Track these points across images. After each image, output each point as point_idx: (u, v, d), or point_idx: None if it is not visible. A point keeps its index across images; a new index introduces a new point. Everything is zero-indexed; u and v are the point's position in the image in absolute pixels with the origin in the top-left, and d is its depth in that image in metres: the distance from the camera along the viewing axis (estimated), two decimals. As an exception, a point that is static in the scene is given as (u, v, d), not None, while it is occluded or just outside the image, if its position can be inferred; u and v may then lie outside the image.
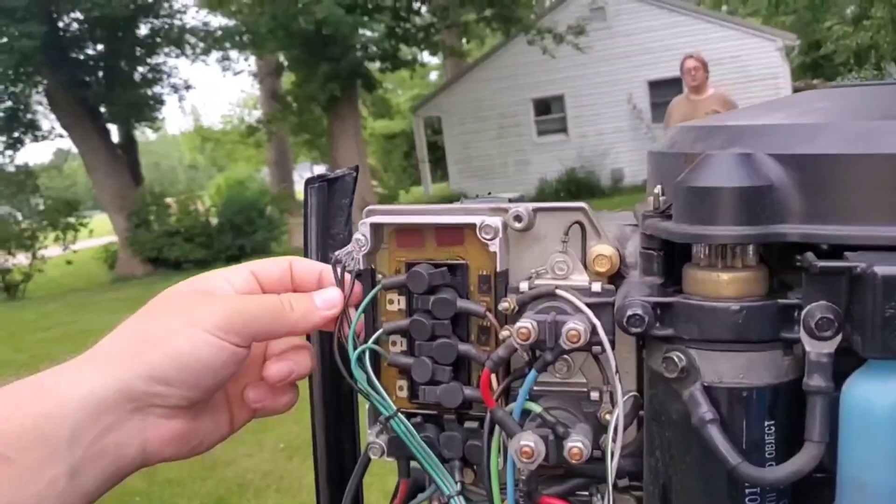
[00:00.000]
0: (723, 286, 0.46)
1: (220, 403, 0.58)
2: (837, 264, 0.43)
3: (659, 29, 18.51)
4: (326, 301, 0.57)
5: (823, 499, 0.47)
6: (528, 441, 0.49)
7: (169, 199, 17.86)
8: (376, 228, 0.57)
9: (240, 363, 0.53)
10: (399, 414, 0.56)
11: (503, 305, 0.53)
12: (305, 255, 0.65)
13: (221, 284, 0.56)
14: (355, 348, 0.56)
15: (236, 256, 16.41)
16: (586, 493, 0.56)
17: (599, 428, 0.53)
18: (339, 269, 0.58)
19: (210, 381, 0.52)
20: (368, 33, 16.14)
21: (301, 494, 4.08)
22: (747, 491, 0.47)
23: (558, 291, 0.52)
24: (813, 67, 21.54)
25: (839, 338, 0.44)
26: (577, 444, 0.50)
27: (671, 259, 0.51)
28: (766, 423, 0.46)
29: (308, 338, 0.63)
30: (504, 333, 0.52)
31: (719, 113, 5.98)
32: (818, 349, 0.44)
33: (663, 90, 18.83)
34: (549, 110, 19.90)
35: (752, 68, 18.01)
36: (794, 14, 20.91)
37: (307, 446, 0.70)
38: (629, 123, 18.87)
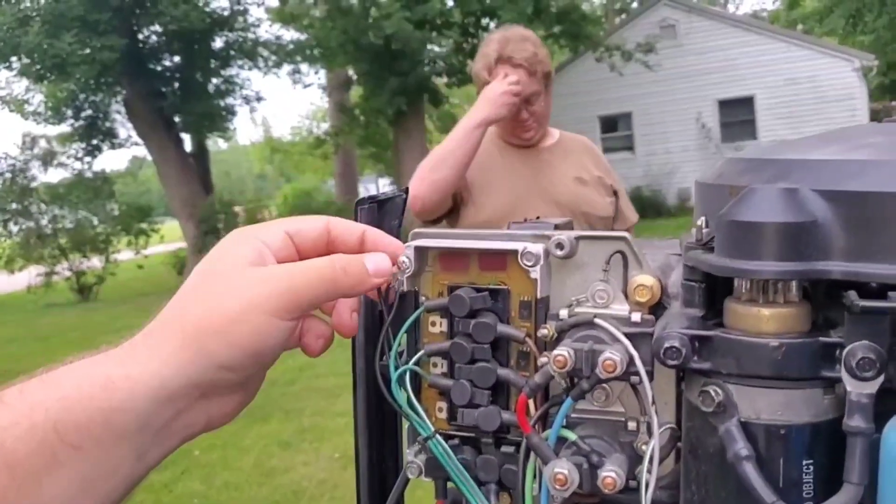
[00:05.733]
0: (763, 321, 0.46)
1: None
2: (880, 304, 0.43)
3: (730, 48, 18.23)
4: (378, 268, 0.55)
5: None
6: (562, 469, 0.49)
7: (237, 208, 18.30)
8: (421, 251, 0.58)
9: (295, 332, 0.54)
10: (437, 435, 0.57)
11: (542, 332, 0.54)
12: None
13: (260, 248, 0.54)
14: (396, 369, 0.57)
15: (300, 266, 16.67)
16: (622, 523, 0.56)
17: (636, 458, 0.53)
18: (383, 289, 0.59)
19: (272, 356, 0.53)
20: (436, 48, 16.27)
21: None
22: (784, 530, 0.46)
23: (596, 320, 0.52)
24: (892, 89, 20.90)
25: (881, 378, 0.43)
26: (610, 474, 0.50)
27: (713, 291, 0.50)
28: (804, 462, 0.45)
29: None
30: (542, 360, 0.53)
31: (576, 191, 2.34)
32: (859, 389, 0.43)
33: (734, 110, 18.53)
34: (615, 128, 19.75)
35: (827, 89, 17.58)
36: (872, 34, 20.32)
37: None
38: (697, 143, 18.60)
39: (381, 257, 0.56)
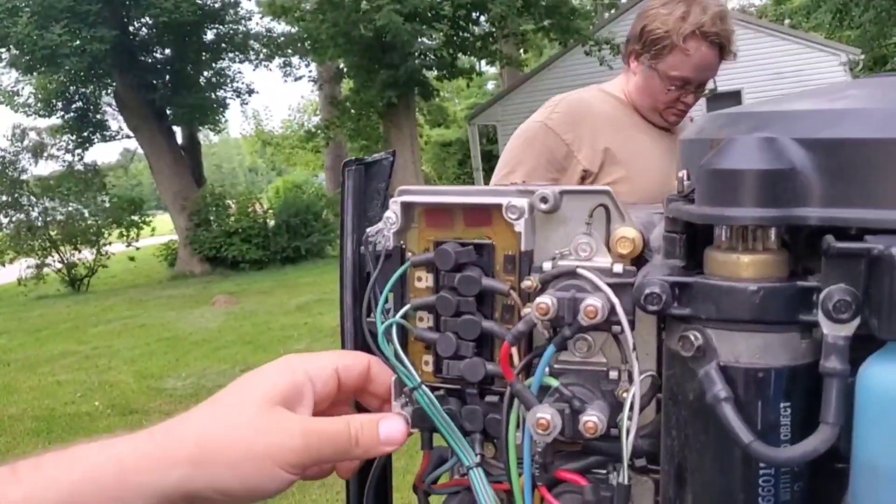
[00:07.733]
0: (742, 268, 0.47)
1: None
2: (856, 246, 0.43)
3: (720, 42, 18.21)
4: (389, 436, 0.58)
5: (842, 489, 0.47)
6: (545, 413, 0.50)
7: (229, 201, 18.24)
8: (407, 207, 0.59)
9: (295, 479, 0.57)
10: (423, 386, 0.57)
11: (526, 284, 0.54)
12: (341, 236, 0.67)
13: (301, 384, 0.57)
14: (383, 322, 0.58)
15: (292, 258, 16.66)
16: (604, 471, 0.57)
17: (617, 406, 0.54)
18: (369, 247, 0.60)
19: (267, 496, 0.55)
20: (427, 41, 16.25)
21: (344, 490, 4.12)
22: (761, 472, 0.47)
23: (579, 270, 0.53)
24: (880, 83, 20.95)
25: (857, 321, 0.44)
26: (592, 419, 0.51)
27: (693, 242, 0.51)
28: (782, 405, 0.46)
29: (341, 303, 0.65)
30: (526, 311, 0.53)
31: None
32: (835, 332, 0.44)
33: (721, 103, 18.46)
34: (605, 121, 19.71)
35: (814, 83, 17.60)
36: (859, 28, 20.40)
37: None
38: (687, 136, 18.62)
39: (395, 424, 0.59)
